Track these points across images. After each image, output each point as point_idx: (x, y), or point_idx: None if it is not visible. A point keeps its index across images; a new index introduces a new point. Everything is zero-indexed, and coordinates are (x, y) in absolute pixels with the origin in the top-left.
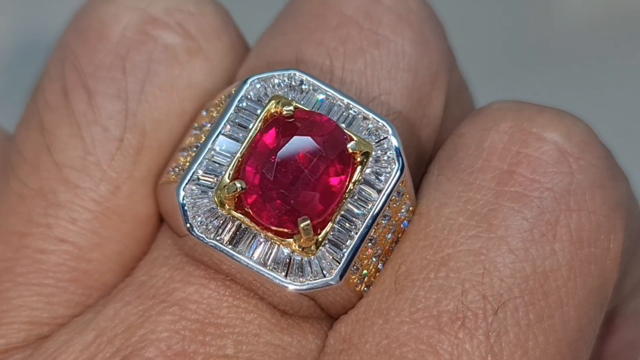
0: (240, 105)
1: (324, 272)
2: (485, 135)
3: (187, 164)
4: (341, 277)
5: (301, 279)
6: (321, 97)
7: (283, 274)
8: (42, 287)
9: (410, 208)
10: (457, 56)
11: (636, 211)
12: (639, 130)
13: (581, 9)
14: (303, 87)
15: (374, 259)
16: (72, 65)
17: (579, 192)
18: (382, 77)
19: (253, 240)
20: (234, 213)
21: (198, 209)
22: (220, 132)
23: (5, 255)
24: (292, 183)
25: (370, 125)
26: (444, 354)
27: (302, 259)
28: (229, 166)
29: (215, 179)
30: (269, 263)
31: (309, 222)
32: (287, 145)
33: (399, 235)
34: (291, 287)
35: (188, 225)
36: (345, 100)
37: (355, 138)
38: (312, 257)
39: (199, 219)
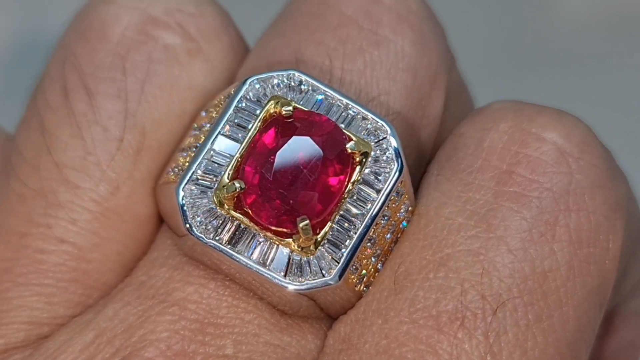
0: (240, 105)
1: (323, 272)
2: (484, 135)
3: (187, 164)
4: (340, 277)
5: (300, 278)
6: (320, 97)
7: (282, 273)
8: (42, 287)
9: (410, 208)
10: (456, 56)
11: (636, 211)
12: (639, 130)
13: (580, 9)
14: (302, 87)
15: (373, 259)
16: (72, 65)
17: (578, 192)
18: (381, 77)
19: (252, 240)
20: (233, 213)
21: (197, 209)
22: (219, 132)
23: (5, 255)
24: (291, 183)
25: (369, 126)
26: (443, 354)
27: (301, 259)
28: (228, 166)
29: (215, 179)
30: (268, 263)
31: (307, 222)
32: (286, 145)
33: (398, 235)
34: (290, 287)
35: (187, 225)
36: (345, 101)
37: (354, 138)
38: (311, 257)
39: (198, 219)
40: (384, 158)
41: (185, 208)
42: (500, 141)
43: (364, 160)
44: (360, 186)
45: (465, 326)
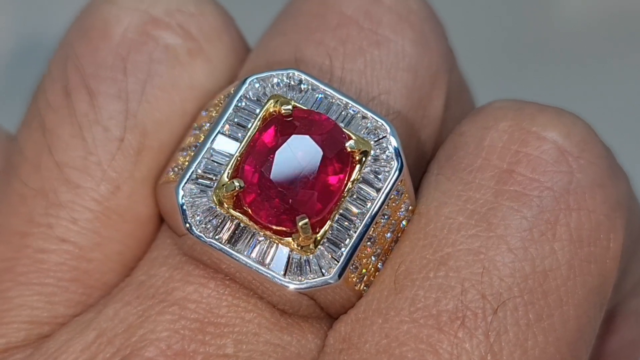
0: (239, 104)
1: (323, 270)
2: (485, 134)
3: (186, 163)
4: (340, 275)
5: (300, 277)
6: (320, 96)
7: (282, 272)
8: (43, 286)
9: (410, 207)
10: (457, 56)
11: (636, 210)
12: (639, 130)
13: (581, 9)
14: (302, 86)
15: (373, 258)
16: (74, 65)
17: (579, 191)
18: (381, 77)
19: (252, 239)
20: (232, 212)
21: (197, 208)
22: (219, 131)
23: (6, 255)
24: (290, 182)
25: (369, 125)
26: (444, 354)
27: (300, 258)
28: (227, 165)
29: (214, 178)
30: (267, 262)
31: (307, 220)
32: (285, 144)
33: (399, 235)
34: (290, 286)
35: (187, 224)
36: (344, 100)
37: (354, 137)
38: (311, 255)
39: (198, 218)
40: (384, 157)
41: (184, 207)
42: (501, 140)
43: (363, 159)
44: (360, 185)
45: (466, 325)
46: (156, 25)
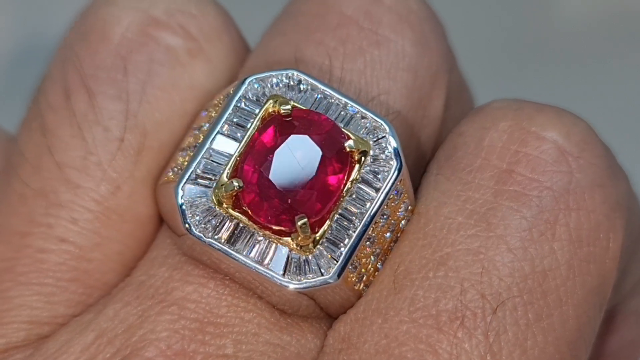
0: (239, 105)
1: (322, 270)
2: (484, 134)
3: (186, 163)
4: (339, 275)
5: (299, 277)
6: (319, 96)
7: (281, 272)
8: (43, 286)
9: (409, 207)
10: (457, 56)
11: (636, 210)
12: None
13: (581, 9)
14: (301, 86)
15: (372, 258)
16: (73, 66)
17: (578, 191)
18: (381, 77)
19: (251, 239)
20: (231, 212)
21: (196, 208)
22: (218, 131)
23: (6, 255)
24: (289, 182)
25: (368, 124)
26: (443, 354)
27: (300, 258)
28: (227, 165)
29: (214, 178)
30: (266, 261)
31: (306, 220)
32: (284, 144)
33: (398, 235)
34: (289, 286)
35: (186, 224)
36: (343, 100)
37: (353, 137)
38: (310, 255)
39: (197, 218)
40: (383, 157)
41: (184, 207)
42: (500, 140)
43: (362, 159)
44: (359, 185)
45: (465, 325)
46: (156, 26)
